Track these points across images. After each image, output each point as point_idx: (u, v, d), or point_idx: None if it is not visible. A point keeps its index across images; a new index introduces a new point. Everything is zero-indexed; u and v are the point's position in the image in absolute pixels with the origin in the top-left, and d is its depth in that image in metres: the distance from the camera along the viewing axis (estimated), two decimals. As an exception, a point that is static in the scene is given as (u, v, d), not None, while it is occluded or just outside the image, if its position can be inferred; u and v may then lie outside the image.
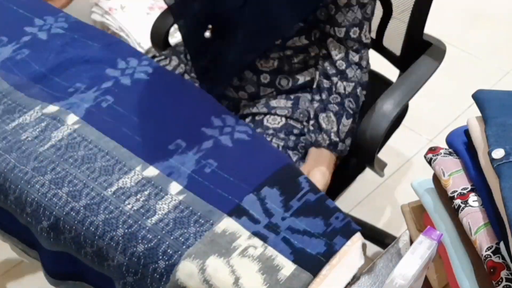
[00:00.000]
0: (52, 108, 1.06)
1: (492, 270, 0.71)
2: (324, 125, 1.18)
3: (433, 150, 0.87)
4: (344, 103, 1.18)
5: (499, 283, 0.71)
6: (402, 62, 1.40)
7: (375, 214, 1.85)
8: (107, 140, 1.01)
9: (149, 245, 0.89)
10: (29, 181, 0.96)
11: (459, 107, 2.09)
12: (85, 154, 0.99)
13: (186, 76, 1.31)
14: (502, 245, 0.72)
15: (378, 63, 1.48)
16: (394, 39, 1.37)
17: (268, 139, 1.19)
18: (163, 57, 1.35)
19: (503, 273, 0.71)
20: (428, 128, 2.06)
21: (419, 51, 1.33)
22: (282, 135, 1.20)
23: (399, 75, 1.43)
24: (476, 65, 2.35)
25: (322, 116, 1.18)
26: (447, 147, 0.87)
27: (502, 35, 2.44)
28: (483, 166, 0.78)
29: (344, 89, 1.19)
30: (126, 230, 0.90)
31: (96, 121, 1.04)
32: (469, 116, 0.84)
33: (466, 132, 0.84)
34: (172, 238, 0.89)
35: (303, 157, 1.22)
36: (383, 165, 1.39)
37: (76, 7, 1.92)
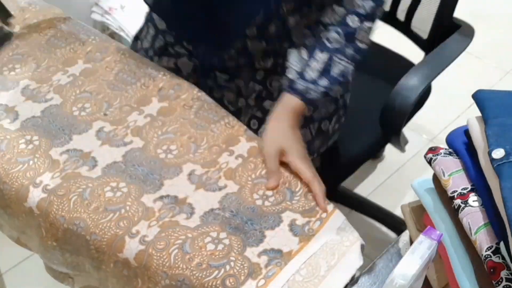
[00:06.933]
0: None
1: (492, 270, 0.71)
2: (289, 62, 1.04)
3: (433, 150, 0.87)
4: (323, 32, 1.04)
5: (499, 283, 0.70)
6: (429, 44, 1.43)
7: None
8: None
9: None
10: None
11: (459, 107, 2.10)
12: None
13: (170, 50, 1.25)
14: (502, 245, 0.71)
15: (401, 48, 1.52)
16: (423, 22, 1.40)
17: None
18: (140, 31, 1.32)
19: (503, 273, 0.71)
20: (428, 128, 2.06)
21: (447, 34, 1.37)
22: None
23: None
24: (476, 65, 2.35)
25: (292, 52, 1.05)
26: (447, 147, 0.87)
27: (502, 35, 2.44)
28: (483, 166, 0.78)
29: (331, 17, 1.05)
30: None
31: None
32: (469, 116, 0.84)
33: (466, 132, 0.84)
34: None
35: None
36: (405, 141, 1.42)
37: (76, 7, 1.92)
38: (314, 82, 1.04)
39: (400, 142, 1.31)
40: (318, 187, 0.97)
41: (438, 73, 1.29)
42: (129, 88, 1.15)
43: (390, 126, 1.27)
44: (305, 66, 1.05)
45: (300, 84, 1.04)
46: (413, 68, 1.29)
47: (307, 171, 0.99)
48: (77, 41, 1.25)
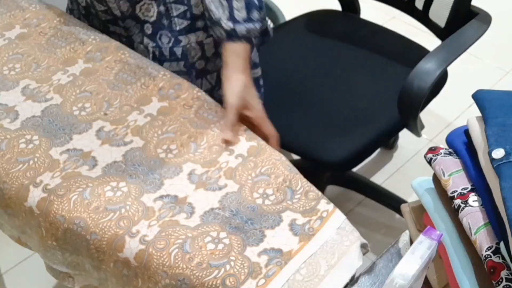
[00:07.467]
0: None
1: (492, 270, 0.71)
2: (214, 14, 1.06)
3: (433, 150, 0.87)
4: None
5: (499, 283, 0.70)
6: (446, 33, 1.45)
7: (376, 214, 1.85)
8: None
9: None
10: None
11: (459, 107, 2.10)
12: None
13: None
14: (502, 245, 0.71)
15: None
16: (441, 10, 1.43)
17: None
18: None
19: (503, 273, 0.71)
20: (428, 128, 2.06)
21: (464, 22, 1.39)
22: None
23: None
24: (476, 65, 2.35)
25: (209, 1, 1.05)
26: (447, 147, 0.87)
27: (502, 35, 2.44)
28: (483, 166, 0.78)
29: None
30: None
31: None
32: (469, 116, 0.84)
33: (466, 132, 0.84)
34: None
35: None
36: (422, 125, 1.43)
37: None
38: (249, 20, 1.04)
39: (417, 126, 1.33)
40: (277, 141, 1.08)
41: (455, 58, 1.31)
42: (129, 88, 1.15)
43: (408, 108, 1.29)
44: (230, 10, 1.04)
45: (240, 29, 1.04)
46: (430, 52, 1.31)
47: (269, 126, 1.08)
48: (77, 41, 1.25)
